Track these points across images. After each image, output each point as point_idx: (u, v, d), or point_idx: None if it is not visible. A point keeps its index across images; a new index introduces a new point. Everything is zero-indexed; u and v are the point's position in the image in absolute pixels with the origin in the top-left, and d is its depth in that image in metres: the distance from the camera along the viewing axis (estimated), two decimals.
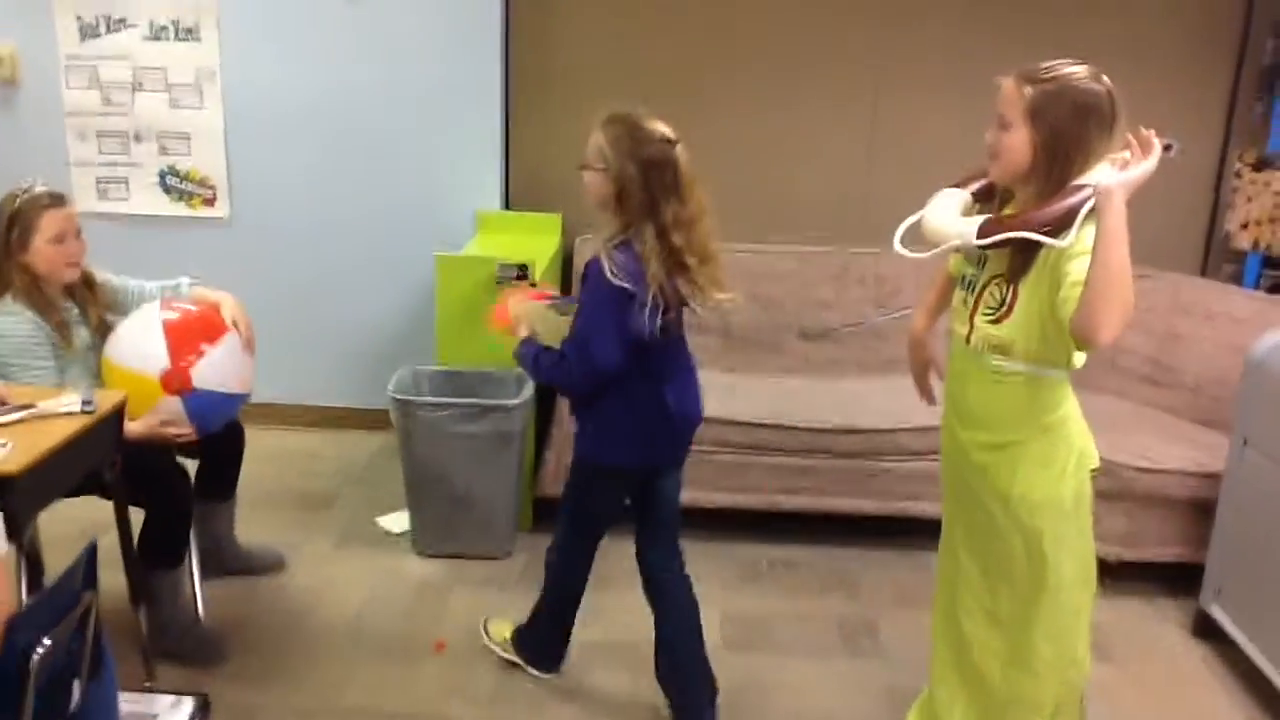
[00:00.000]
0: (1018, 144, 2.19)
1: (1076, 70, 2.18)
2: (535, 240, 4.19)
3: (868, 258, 4.25)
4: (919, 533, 3.80)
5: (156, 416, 2.94)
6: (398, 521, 3.88)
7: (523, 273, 3.65)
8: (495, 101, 4.42)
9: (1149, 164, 2.09)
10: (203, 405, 2.99)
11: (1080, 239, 2.10)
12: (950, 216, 2.32)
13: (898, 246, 2.31)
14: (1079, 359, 2.25)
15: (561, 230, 4.39)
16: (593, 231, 4.33)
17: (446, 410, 3.52)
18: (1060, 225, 2.11)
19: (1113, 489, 3.44)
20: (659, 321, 2.50)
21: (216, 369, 2.99)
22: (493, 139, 4.45)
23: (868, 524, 3.82)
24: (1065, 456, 2.33)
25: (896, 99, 4.38)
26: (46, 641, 1.95)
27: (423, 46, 4.37)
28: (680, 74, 4.41)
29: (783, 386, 4.02)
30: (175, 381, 2.91)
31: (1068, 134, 2.15)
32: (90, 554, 2.15)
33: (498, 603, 3.40)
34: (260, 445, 4.07)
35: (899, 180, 4.35)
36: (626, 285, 2.46)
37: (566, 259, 4.38)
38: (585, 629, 3.27)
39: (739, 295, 2.66)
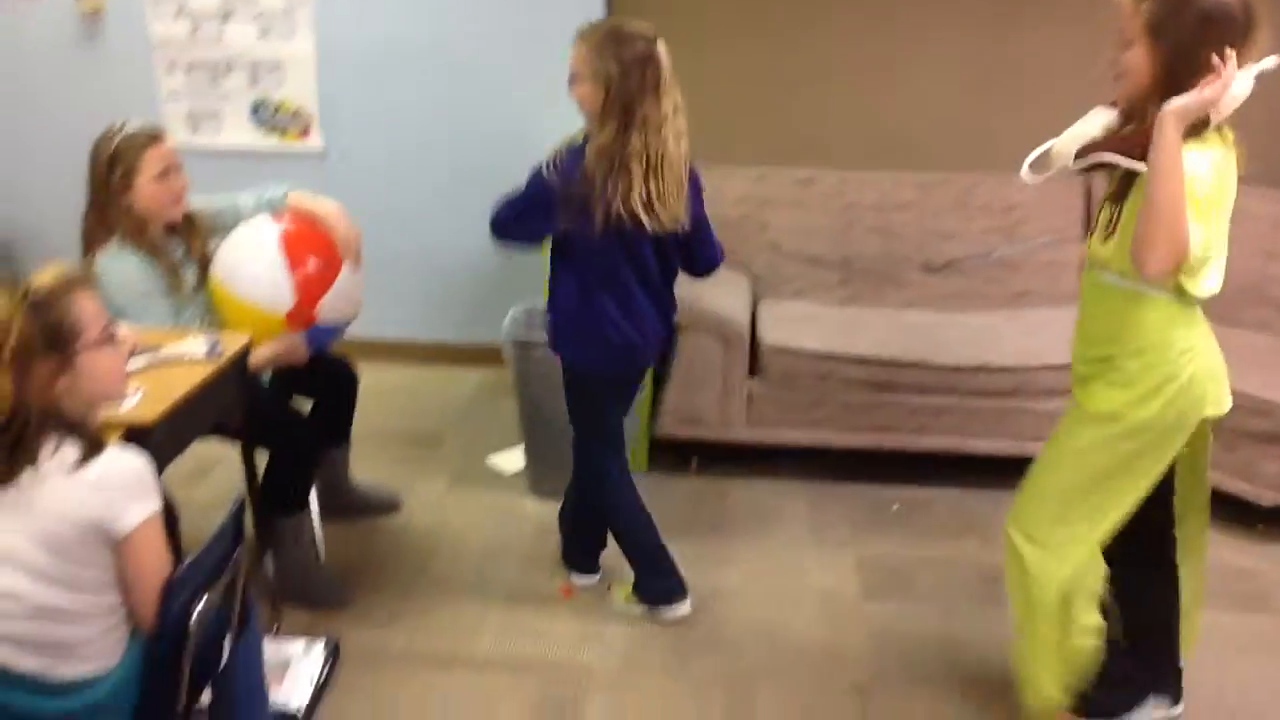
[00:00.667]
0: (1138, 62, 2.07)
1: None
2: None
3: (993, 185, 4.03)
4: None
5: (278, 345, 2.87)
6: (510, 460, 3.79)
7: None
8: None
9: (1211, 92, 1.95)
10: (322, 335, 2.97)
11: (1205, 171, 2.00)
12: (1073, 139, 2.22)
13: (1024, 172, 2.26)
14: (1195, 286, 2.10)
15: None
16: (697, 159, 4.18)
17: None
18: (1149, 147, 2.00)
19: (1268, 430, 3.26)
20: (581, 222, 2.55)
21: (337, 302, 2.91)
22: None
23: (1001, 465, 3.66)
24: (1159, 384, 2.19)
25: (1020, 20, 4.12)
26: (203, 599, 1.88)
27: None
28: (795, 3, 4.19)
29: (906, 321, 3.84)
30: (300, 319, 2.85)
31: (1190, 48, 2.01)
32: (238, 511, 2.07)
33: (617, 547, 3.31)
34: (362, 382, 4.01)
35: (1022, 105, 4.12)
36: (549, 181, 2.57)
37: None
38: (721, 572, 3.18)
39: (680, 220, 2.65)
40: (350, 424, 3.42)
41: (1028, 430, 3.54)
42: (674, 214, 2.62)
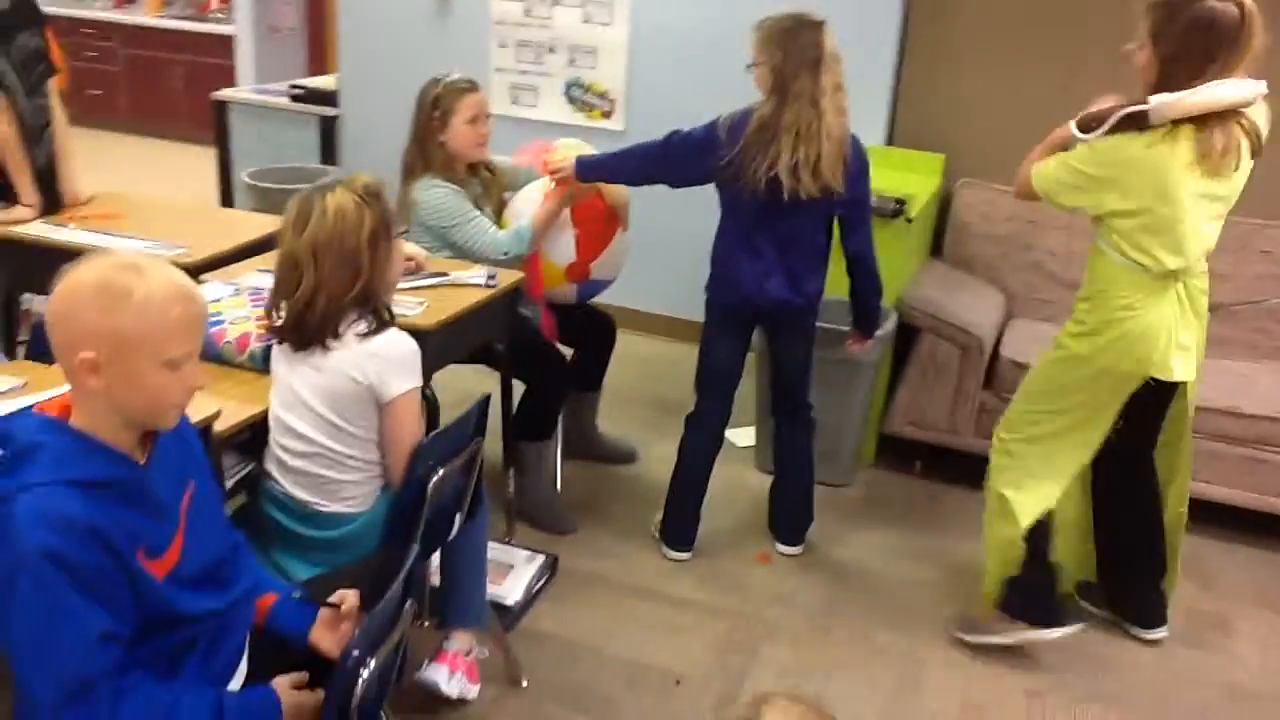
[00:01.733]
0: (1143, 61, 2.47)
1: None
2: (915, 179, 4.13)
3: (1277, 231, 3.87)
4: None
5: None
6: (744, 436, 4.01)
7: (900, 207, 3.63)
8: (891, 37, 4.37)
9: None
10: (590, 289, 3.41)
11: (1100, 140, 2.49)
12: None
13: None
14: (1139, 255, 2.53)
15: (943, 172, 4.30)
16: (974, 177, 4.26)
17: None
18: (1097, 124, 2.49)
19: None
20: (733, 181, 2.87)
21: (608, 263, 3.35)
22: (883, 74, 4.41)
23: (1236, 515, 3.54)
24: (1096, 326, 2.64)
25: None
26: (441, 471, 2.22)
27: None
28: (1084, 27, 4.16)
29: None
30: (578, 273, 3.28)
31: (1182, 52, 2.39)
32: (483, 405, 2.41)
33: (831, 529, 3.47)
34: (625, 349, 4.31)
35: None
36: (719, 134, 2.89)
37: (945, 201, 4.29)
38: (920, 565, 3.30)
39: (833, 188, 2.87)
40: (604, 373, 3.76)
41: (1270, 483, 3.41)
42: (825, 181, 2.84)
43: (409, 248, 2.82)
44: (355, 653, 1.66)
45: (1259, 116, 2.50)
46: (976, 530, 3.50)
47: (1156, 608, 2.99)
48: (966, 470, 3.78)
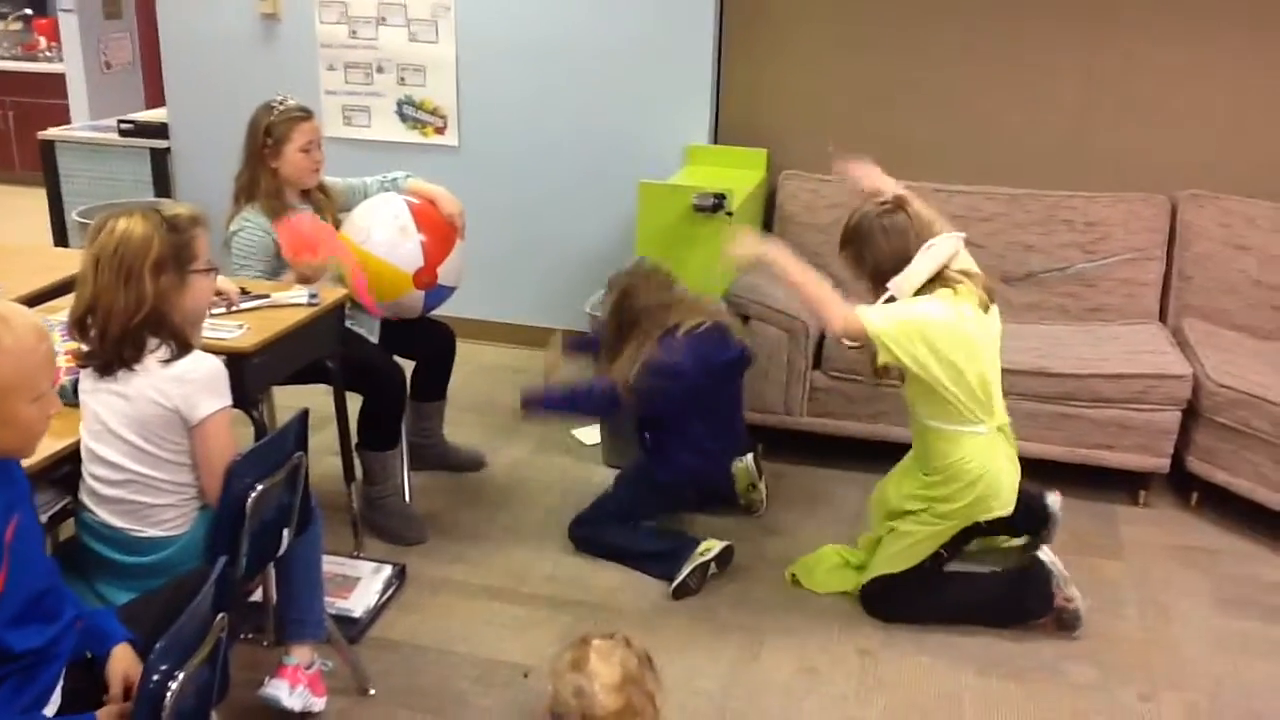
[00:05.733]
0: (865, 285, 2.97)
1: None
2: (741, 174, 4.29)
3: (1077, 202, 4.12)
4: (1108, 485, 3.73)
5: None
6: (590, 434, 4.09)
7: (719, 202, 3.76)
8: (708, 38, 4.51)
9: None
10: (436, 297, 3.44)
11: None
12: None
13: None
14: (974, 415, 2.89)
15: (767, 165, 4.46)
16: (797, 169, 4.43)
17: None
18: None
19: None
20: None
21: (452, 269, 3.41)
22: (703, 75, 4.55)
23: (1054, 468, 3.75)
24: (949, 495, 2.97)
25: (1117, 42, 4.19)
26: (260, 487, 2.24)
27: None
28: (897, 15, 4.37)
29: None
30: (425, 279, 3.33)
31: (878, 268, 2.90)
32: (301, 419, 2.43)
33: (678, 516, 3.57)
34: (474, 358, 4.36)
35: (1116, 125, 4.20)
36: (686, 366, 3.27)
37: (770, 194, 4.45)
38: (766, 542, 3.39)
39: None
40: (447, 382, 3.80)
41: (1084, 437, 3.63)
42: None
43: (221, 283, 2.82)
44: (163, 666, 1.69)
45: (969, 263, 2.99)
46: (821, 506, 3.68)
47: None
48: (805, 450, 3.94)
